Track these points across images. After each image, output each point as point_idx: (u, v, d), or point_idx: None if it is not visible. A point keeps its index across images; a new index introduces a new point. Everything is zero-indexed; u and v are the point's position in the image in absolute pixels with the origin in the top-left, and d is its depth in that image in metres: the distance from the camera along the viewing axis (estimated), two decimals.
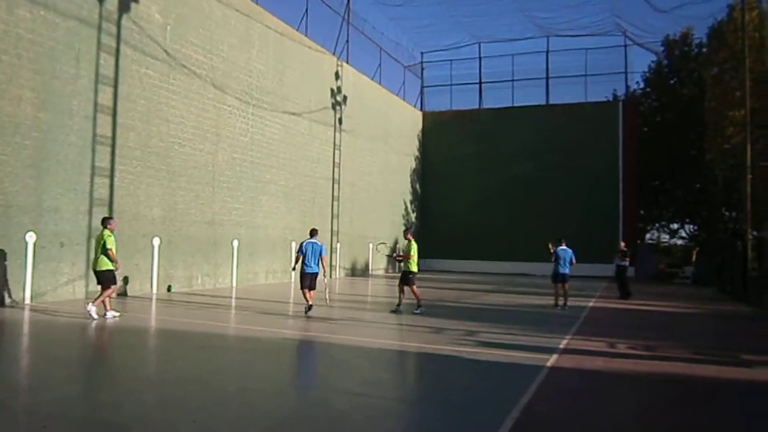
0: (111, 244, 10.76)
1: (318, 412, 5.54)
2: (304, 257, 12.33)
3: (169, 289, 16.14)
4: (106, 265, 10.77)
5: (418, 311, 12.72)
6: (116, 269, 11.01)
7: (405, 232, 14.39)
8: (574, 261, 15.26)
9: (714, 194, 28.64)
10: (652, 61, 35.65)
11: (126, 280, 14.48)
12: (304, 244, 12.47)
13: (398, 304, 13.10)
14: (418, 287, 13.29)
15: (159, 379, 6.76)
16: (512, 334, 10.43)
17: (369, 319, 12.47)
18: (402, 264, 13.59)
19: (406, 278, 13.14)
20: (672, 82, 35.15)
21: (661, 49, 34.64)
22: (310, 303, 12.10)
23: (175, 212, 16.48)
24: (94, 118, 14.08)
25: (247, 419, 5.18)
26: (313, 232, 12.77)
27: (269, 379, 6.90)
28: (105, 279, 10.83)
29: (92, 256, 14.06)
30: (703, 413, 5.90)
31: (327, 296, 13.56)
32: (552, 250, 15.43)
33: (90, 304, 10.68)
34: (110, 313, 10.72)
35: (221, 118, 18.37)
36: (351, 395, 6.14)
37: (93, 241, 10.91)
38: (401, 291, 13.26)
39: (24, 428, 4.89)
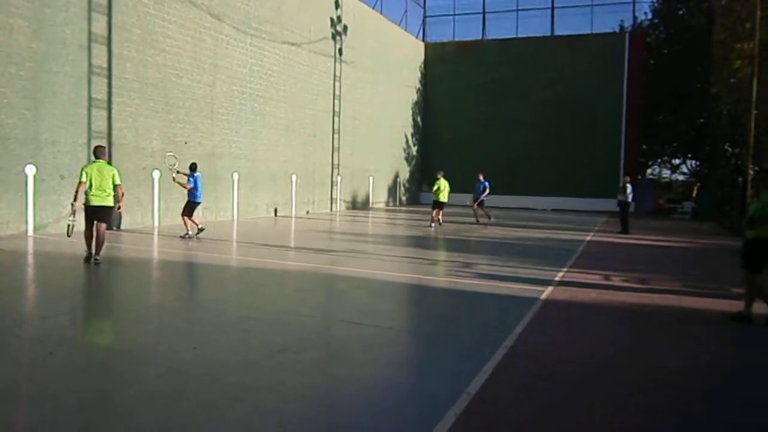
0: (118, 179, 9.64)
1: (315, 340, 5.70)
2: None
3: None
4: (110, 202, 9.57)
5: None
6: (119, 210, 9.98)
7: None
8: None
9: (718, 129, 28.35)
10: None
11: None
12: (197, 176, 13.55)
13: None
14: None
15: (161, 309, 6.92)
16: (509, 266, 10.59)
17: (367, 250, 12.62)
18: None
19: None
20: (681, 12, 34.14)
21: None
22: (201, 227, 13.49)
23: (174, 145, 16.39)
24: (89, 48, 13.81)
25: (246, 346, 5.34)
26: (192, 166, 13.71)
27: (269, 308, 7.07)
28: (110, 218, 9.83)
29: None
30: (688, 342, 6.07)
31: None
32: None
33: (95, 256, 9.46)
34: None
35: (219, 48, 17.99)
36: (348, 324, 6.31)
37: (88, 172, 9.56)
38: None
39: (31, 354, 5.05)
